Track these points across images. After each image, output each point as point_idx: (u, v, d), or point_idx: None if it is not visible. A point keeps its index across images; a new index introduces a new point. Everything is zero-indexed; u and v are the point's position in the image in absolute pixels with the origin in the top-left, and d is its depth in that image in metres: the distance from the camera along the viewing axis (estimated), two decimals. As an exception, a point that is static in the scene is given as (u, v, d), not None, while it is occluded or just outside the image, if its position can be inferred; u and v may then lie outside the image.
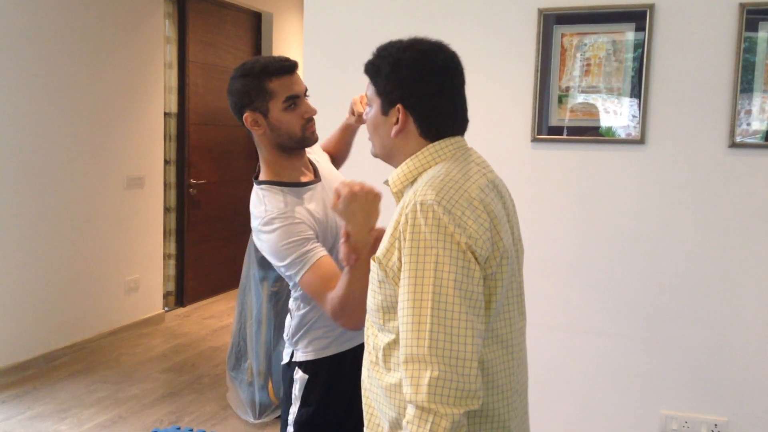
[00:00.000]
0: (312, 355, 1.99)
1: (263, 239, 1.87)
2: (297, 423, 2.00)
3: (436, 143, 1.43)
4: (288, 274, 1.84)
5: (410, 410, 1.26)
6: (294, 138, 1.91)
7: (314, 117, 1.94)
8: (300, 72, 2.05)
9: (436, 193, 1.30)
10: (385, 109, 1.44)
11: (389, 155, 1.49)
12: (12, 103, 4.25)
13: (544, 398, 2.92)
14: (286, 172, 1.95)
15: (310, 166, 2.05)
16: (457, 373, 1.24)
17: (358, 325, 1.71)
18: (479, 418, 1.38)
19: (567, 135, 2.88)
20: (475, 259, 1.29)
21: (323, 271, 1.79)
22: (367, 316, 1.48)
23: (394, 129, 1.43)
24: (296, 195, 1.91)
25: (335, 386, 1.99)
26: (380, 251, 1.38)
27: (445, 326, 1.25)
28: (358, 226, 1.66)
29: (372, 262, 1.40)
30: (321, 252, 1.82)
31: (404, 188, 1.44)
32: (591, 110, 2.85)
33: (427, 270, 1.26)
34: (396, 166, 1.47)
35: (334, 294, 1.74)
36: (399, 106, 1.41)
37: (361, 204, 1.64)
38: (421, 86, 1.41)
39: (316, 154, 2.14)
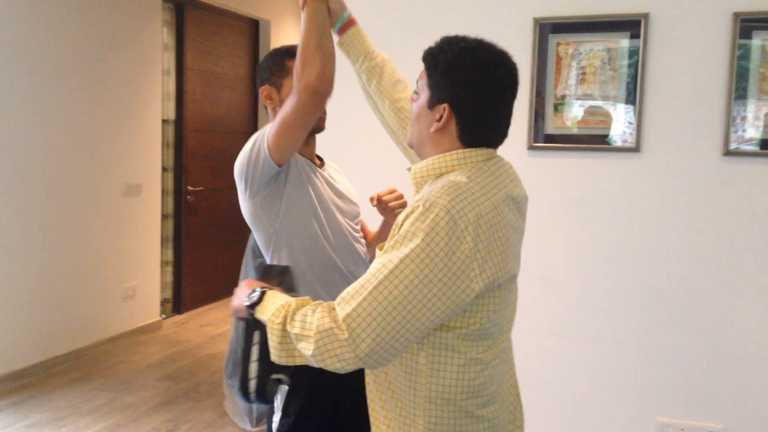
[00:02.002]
0: None
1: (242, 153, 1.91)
2: None
3: (468, 150, 1.43)
4: (260, 143, 1.85)
5: (314, 324, 1.31)
6: None
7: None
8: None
9: (450, 199, 1.31)
10: (432, 103, 1.43)
11: (421, 146, 1.49)
12: (10, 111, 4.26)
13: (539, 405, 2.92)
14: None
15: (317, 161, 2.07)
16: (346, 346, 1.28)
17: (324, 73, 1.71)
18: (487, 423, 1.42)
19: (564, 143, 2.89)
20: (457, 276, 1.28)
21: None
22: None
23: (435, 125, 1.43)
24: (301, 161, 1.95)
25: (316, 398, 1.97)
26: (389, 241, 1.38)
27: (370, 309, 1.27)
28: None
29: (378, 251, 1.41)
30: None
31: (425, 181, 1.46)
32: (590, 118, 2.86)
33: (399, 254, 1.28)
34: (424, 158, 1.48)
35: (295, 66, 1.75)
36: (446, 105, 1.41)
37: None
38: (472, 93, 1.41)
39: (338, 173, 2.15)
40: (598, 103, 2.84)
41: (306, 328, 1.32)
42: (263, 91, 1.98)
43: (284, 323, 1.36)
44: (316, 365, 1.33)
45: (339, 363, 1.30)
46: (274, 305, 1.41)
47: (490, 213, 1.34)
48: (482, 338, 1.39)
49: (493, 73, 1.42)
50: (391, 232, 1.38)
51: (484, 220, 1.32)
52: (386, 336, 1.27)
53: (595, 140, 2.85)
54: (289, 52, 1.95)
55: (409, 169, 1.51)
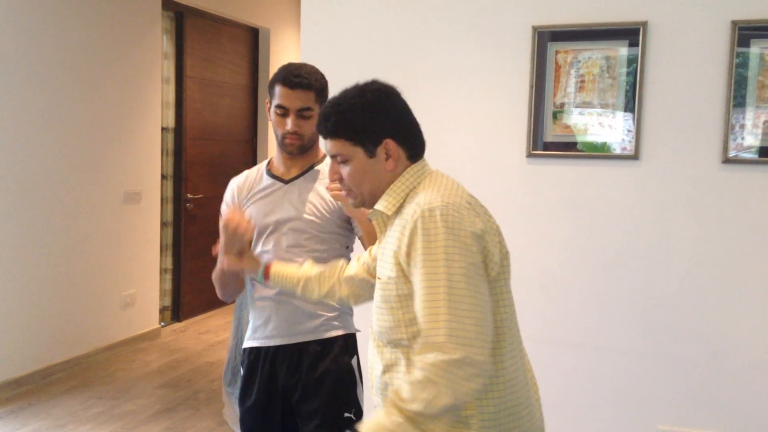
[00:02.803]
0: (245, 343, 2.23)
1: None
2: None
3: (417, 164, 1.55)
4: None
5: (418, 373, 1.32)
6: (276, 138, 2.13)
7: (299, 133, 2.07)
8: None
9: (441, 198, 1.41)
10: (371, 151, 1.51)
11: (380, 190, 1.54)
12: (9, 118, 4.26)
13: (540, 413, 2.92)
14: (276, 159, 2.20)
15: (301, 168, 2.15)
16: (474, 356, 1.31)
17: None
18: (518, 407, 1.48)
19: (561, 150, 2.90)
20: (484, 253, 1.40)
21: None
22: (381, 341, 1.53)
23: (390, 162, 1.51)
24: (262, 180, 2.18)
25: (250, 380, 2.17)
26: (386, 271, 1.47)
27: (461, 317, 1.32)
28: None
29: (378, 281, 1.48)
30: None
31: (394, 208, 1.51)
32: (586, 126, 2.87)
33: (440, 266, 1.35)
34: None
35: None
36: (386, 140, 1.50)
37: None
38: (396, 115, 1.53)
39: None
40: (597, 110, 2.85)
41: (419, 386, 1.31)
42: (267, 102, 2.15)
43: (401, 410, 1.33)
44: (459, 405, 1.34)
45: (472, 383, 1.32)
46: (378, 416, 1.37)
47: (476, 200, 1.49)
48: (510, 328, 1.50)
49: (392, 92, 1.55)
50: (386, 262, 1.47)
51: (477, 204, 1.48)
52: (486, 329, 1.35)
53: (593, 148, 2.86)
54: (279, 75, 2.08)
55: (372, 215, 1.56)
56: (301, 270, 1.91)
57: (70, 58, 4.66)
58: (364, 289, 1.84)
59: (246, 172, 2.27)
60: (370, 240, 2.03)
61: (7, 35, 4.22)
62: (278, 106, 2.06)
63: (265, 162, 2.24)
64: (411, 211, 1.42)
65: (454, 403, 1.31)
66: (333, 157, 1.56)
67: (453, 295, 1.33)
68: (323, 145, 1.59)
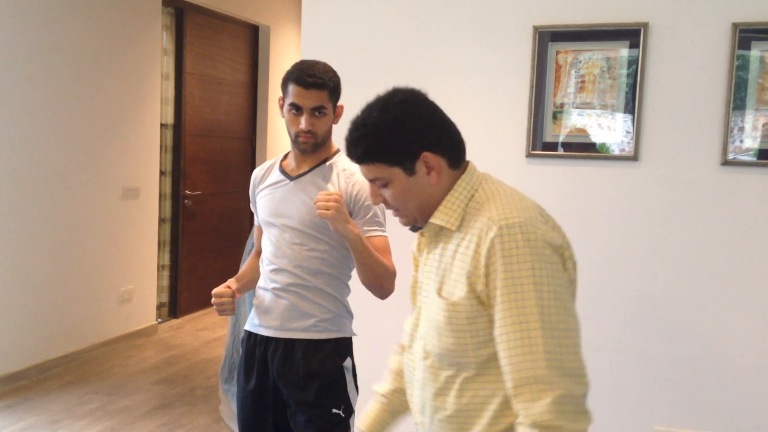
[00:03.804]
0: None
1: None
2: None
3: (468, 172, 1.44)
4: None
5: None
6: (290, 136, 2.14)
7: (313, 132, 2.08)
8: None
9: (518, 213, 1.31)
10: (410, 169, 1.39)
11: (431, 206, 1.43)
12: (8, 113, 4.25)
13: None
14: (291, 154, 2.22)
15: (311, 165, 2.16)
16: (578, 388, 1.25)
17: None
18: None
19: (561, 151, 2.90)
20: (564, 268, 1.32)
21: None
22: (440, 363, 1.42)
23: (433, 175, 1.40)
24: (273, 174, 2.22)
25: (249, 364, 2.22)
26: (455, 291, 1.35)
27: (559, 344, 1.24)
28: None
29: (441, 300, 1.38)
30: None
31: (456, 219, 1.40)
32: (586, 127, 2.87)
33: (527, 291, 1.25)
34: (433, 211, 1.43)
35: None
36: (425, 153, 1.39)
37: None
38: (428, 124, 1.41)
39: (345, 182, 2.15)
40: (597, 111, 2.85)
41: None
42: (280, 99, 2.16)
43: None
44: None
45: (583, 417, 1.26)
46: None
47: (539, 206, 1.40)
48: None
49: (419, 99, 1.43)
50: (454, 281, 1.36)
51: (544, 212, 1.39)
52: (581, 355, 1.28)
53: (593, 149, 2.86)
54: (292, 74, 2.07)
55: (423, 229, 1.46)
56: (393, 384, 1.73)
57: (69, 53, 4.65)
58: None
59: (267, 162, 2.31)
60: (379, 251, 2.07)
61: (6, 31, 4.21)
62: (292, 105, 2.06)
63: (282, 155, 2.27)
64: (481, 226, 1.32)
65: None
66: (372, 181, 1.45)
67: (546, 321, 1.24)
68: (361, 170, 1.47)
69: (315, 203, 1.97)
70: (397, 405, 1.67)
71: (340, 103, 2.16)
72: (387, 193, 1.43)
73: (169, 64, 5.76)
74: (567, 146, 2.89)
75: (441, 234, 1.44)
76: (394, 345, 1.74)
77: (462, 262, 1.35)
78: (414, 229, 1.50)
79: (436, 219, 1.41)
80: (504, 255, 1.27)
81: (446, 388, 1.40)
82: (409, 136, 1.39)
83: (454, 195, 1.41)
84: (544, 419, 1.21)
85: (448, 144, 1.43)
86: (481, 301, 1.32)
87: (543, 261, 1.27)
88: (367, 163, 1.42)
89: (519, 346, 1.24)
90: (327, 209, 1.93)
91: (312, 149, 2.12)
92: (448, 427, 1.42)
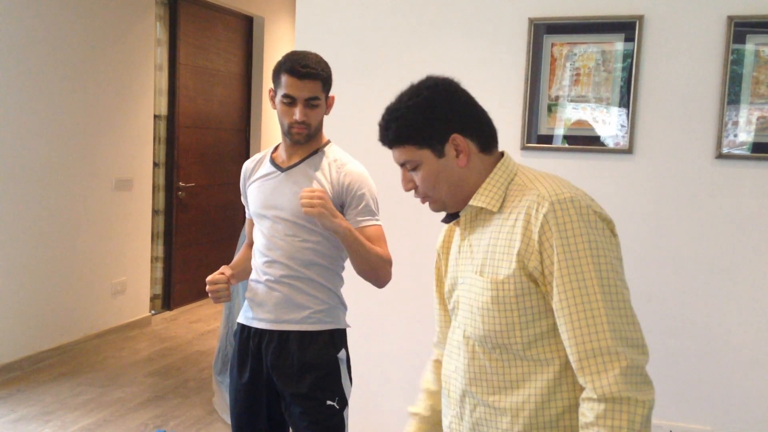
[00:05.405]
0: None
1: None
2: None
3: (505, 159, 1.46)
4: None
5: (597, 406, 1.23)
6: (282, 128, 2.13)
7: (307, 123, 2.08)
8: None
9: (568, 189, 1.34)
10: (439, 151, 1.41)
11: (461, 190, 1.44)
12: (0, 105, 4.23)
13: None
14: (281, 146, 2.22)
15: (302, 156, 2.15)
16: (642, 358, 1.25)
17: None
18: None
19: (555, 144, 2.90)
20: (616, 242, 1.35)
21: None
22: (483, 346, 1.41)
23: (462, 158, 1.42)
24: (264, 166, 2.22)
25: (243, 357, 2.21)
26: (502, 270, 1.35)
27: (621, 315, 1.25)
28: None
29: (485, 280, 1.37)
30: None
31: (501, 202, 1.42)
32: (581, 120, 2.86)
33: (585, 264, 1.27)
34: (469, 194, 1.44)
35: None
36: (453, 135, 1.41)
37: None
38: (458, 107, 1.43)
39: (338, 174, 2.13)
40: (592, 104, 2.84)
41: (614, 413, 1.22)
42: (270, 90, 2.15)
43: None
44: (649, 412, 1.25)
45: (649, 388, 1.26)
46: None
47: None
48: None
49: (449, 84, 1.46)
50: (500, 259, 1.36)
51: (589, 194, 1.42)
52: (639, 327, 1.28)
53: (588, 141, 2.85)
54: (285, 64, 2.06)
55: (449, 219, 1.50)
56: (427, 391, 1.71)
57: (62, 44, 4.62)
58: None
59: (258, 155, 2.31)
60: (373, 243, 2.07)
61: (-2, 19, 4.18)
62: (285, 96, 2.06)
63: (272, 147, 2.26)
64: (529, 203, 1.33)
65: (650, 413, 1.25)
66: (402, 165, 1.46)
67: (607, 294, 1.25)
68: (393, 154, 1.49)
69: (300, 197, 1.96)
70: (435, 420, 1.65)
71: (331, 94, 2.15)
72: (417, 177, 1.45)
73: (162, 55, 5.74)
74: (562, 139, 2.88)
75: (478, 218, 1.45)
76: (428, 363, 1.72)
77: (509, 240, 1.35)
78: (446, 219, 1.51)
79: (477, 201, 1.42)
80: (559, 230, 1.28)
81: (489, 373, 1.40)
82: (438, 117, 1.41)
83: (493, 179, 1.43)
84: (613, 391, 1.21)
85: (478, 128, 1.45)
86: (532, 278, 1.32)
87: (598, 234, 1.29)
88: (398, 146, 1.45)
89: (582, 318, 1.25)
90: (312, 206, 1.93)
91: (305, 140, 2.11)
92: (491, 418, 1.40)
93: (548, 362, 1.34)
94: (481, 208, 1.43)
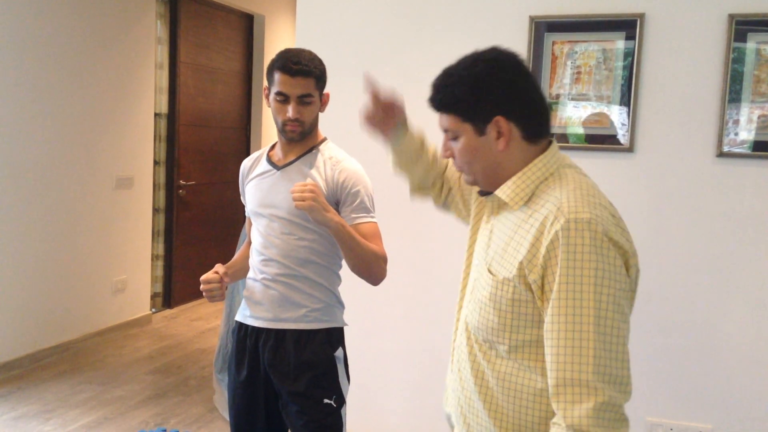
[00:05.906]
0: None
1: None
2: None
3: (549, 151, 1.39)
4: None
5: None
6: (277, 125, 2.14)
7: (300, 120, 2.08)
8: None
9: (590, 210, 1.25)
10: (481, 129, 1.37)
11: (495, 173, 1.40)
12: (1, 104, 4.22)
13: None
14: (278, 144, 2.22)
15: (297, 153, 2.15)
16: (621, 396, 1.22)
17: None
18: None
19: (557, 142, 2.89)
20: (628, 277, 1.27)
21: None
22: (475, 336, 1.42)
23: (502, 141, 1.36)
24: (261, 165, 2.23)
25: (240, 355, 2.21)
26: (503, 271, 1.33)
27: (609, 350, 1.21)
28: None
29: (492, 276, 1.36)
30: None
31: (526, 200, 1.37)
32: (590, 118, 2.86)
33: (585, 291, 1.21)
34: (503, 180, 1.40)
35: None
36: (497, 117, 1.35)
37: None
38: (511, 89, 1.37)
39: (334, 170, 2.13)
40: (593, 103, 2.84)
41: None
42: (265, 89, 2.16)
43: None
44: None
45: (621, 425, 1.22)
46: None
47: (611, 206, 1.34)
48: None
49: (509, 62, 1.40)
50: (506, 260, 1.34)
51: (617, 215, 1.33)
52: (629, 364, 1.24)
53: (589, 140, 2.85)
54: (278, 62, 2.07)
55: (489, 195, 1.43)
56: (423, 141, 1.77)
57: (63, 42, 4.62)
58: (449, 197, 1.77)
59: (255, 153, 2.31)
60: (368, 239, 2.07)
61: (-1, 17, 4.18)
62: (278, 93, 2.06)
63: (270, 145, 2.27)
64: (547, 213, 1.28)
65: None
66: (445, 131, 1.43)
67: (601, 326, 1.20)
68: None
69: (291, 191, 1.96)
70: (418, 135, 1.74)
71: (326, 90, 2.14)
72: (455, 147, 1.42)
73: (163, 53, 5.73)
74: (562, 137, 2.88)
75: (503, 208, 1.41)
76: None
77: (519, 245, 1.31)
78: (482, 193, 1.48)
79: (502, 193, 1.38)
80: (568, 250, 1.23)
81: (481, 364, 1.40)
82: (486, 96, 1.36)
83: (527, 173, 1.37)
84: (582, 424, 1.19)
85: (527, 115, 1.38)
86: (529, 288, 1.29)
87: (607, 263, 1.22)
88: (444, 112, 1.42)
89: (569, 346, 1.21)
90: (303, 200, 1.92)
91: (299, 138, 2.11)
92: (486, 413, 1.40)
93: (531, 369, 1.33)
94: (505, 202, 1.39)
